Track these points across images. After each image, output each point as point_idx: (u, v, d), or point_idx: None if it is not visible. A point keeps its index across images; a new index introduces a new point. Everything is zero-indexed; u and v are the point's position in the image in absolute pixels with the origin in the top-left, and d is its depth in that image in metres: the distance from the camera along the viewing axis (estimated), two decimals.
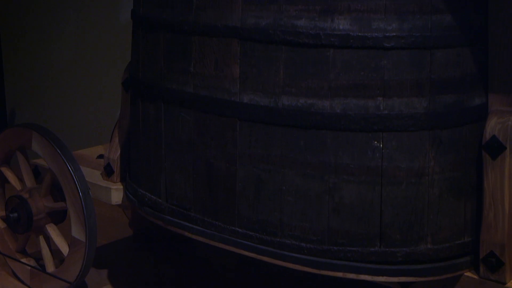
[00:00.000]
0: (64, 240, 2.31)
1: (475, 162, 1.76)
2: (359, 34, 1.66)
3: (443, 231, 1.75)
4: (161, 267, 2.67)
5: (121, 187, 2.31)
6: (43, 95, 3.93)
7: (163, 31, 1.95)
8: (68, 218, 2.27)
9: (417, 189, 1.72)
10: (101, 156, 2.49)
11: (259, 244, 1.82)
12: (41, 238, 2.35)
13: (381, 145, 1.70)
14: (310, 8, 1.68)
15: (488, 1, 1.72)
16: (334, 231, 1.75)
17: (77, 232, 2.19)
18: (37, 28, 3.88)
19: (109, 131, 2.60)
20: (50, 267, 2.34)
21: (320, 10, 1.68)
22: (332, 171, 1.73)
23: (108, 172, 2.34)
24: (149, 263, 2.70)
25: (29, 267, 2.42)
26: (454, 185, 1.75)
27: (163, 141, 2.00)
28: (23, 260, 2.44)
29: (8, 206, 2.34)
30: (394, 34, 1.66)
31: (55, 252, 2.36)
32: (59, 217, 2.36)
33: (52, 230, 2.32)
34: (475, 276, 1.76)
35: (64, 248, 2.28)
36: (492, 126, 1.69)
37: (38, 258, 2.43)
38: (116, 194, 2.31)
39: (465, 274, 1.78)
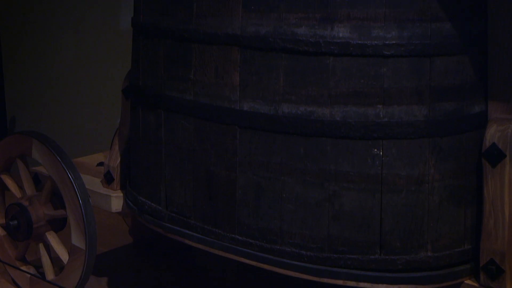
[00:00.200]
0: (64, 247, 2.30)
1: (475, 170, 1.76)
2: (359, 42, 1.66)
3: (443, 238, 1.75)
4: (161, 274, 2.67)
5: (121, 194, 2.31)
6: (44, 103, 3.94)
7: (164, 38, 1.96)
8: (68, 225, 2.26)
9: (417, 197, 1.72)
10: (101, 164, 2.49)
11: (259, 251, 1.82)
12: (41, 246, 2.34)
13: (381, 153, 1.70)
14: (310, 16, 1.69)
15: (487, 9, 1.73)
16: (334, 239, 1.75)
17: (77, 239, 2.19)
18: (37, 35, 3.89)
19: (109, 139, 2.60)
20: (50, 275, 2.34)
21: (320, 18, 1.68)
22: (332, 178, 1.73)
23: (108, 179, 2.34)
24: (149, 271, 2.70)
25: (29, 275, 2.41)
26: (454, 192, 1.75)
27: (163, 148, 2.00)
28: (23, 267, 2.44)
29: (8, 214, 2.34)
30: (394, 42, 1.66)
31: (55, 259, 2.35)
32: (59, 225, 2.35)
33: (52, 238, 2.31)
34: (475, 284, 1.76)
35: (64, 256, 2.28)
36: (492, 134, 1.70)
37: (38, 266, 2.43)
38: (116, 201, 2.31)
39: (465, 282, 1.77)
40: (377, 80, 1.68)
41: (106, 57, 3.53)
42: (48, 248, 2.35)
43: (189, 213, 1.95)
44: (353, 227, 1.73)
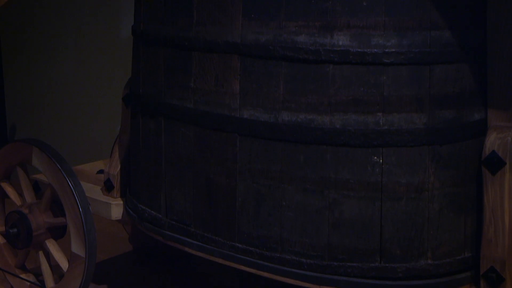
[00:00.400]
0: (63, 255, 2.30)
1: (475, 178, 1.76)
2: (359, 50, 1.67)
3: (443, 246, 1.75)
4: (161, 282, 2.67)
5: (121, 202, 2.31)
6: (44, 110, 3.94)
7: (164, 46, 1.96)
8: (68, 233, 2.26)
9: (417, 205, 1.72)
10: (101, 171, 2.49)
11: (259, 259, 1.82)
12: (41, 254, 2.34)
13: (381, 161, 1.70)
14: (310, 24, 1.69)
15: (487, 17, 1.73)
16: (334, 247, 1.75)
17: (77, 247, 2.19)
18: (38, 43, 3.90)
19: (109, 147, 2.61)
20: (49, 283, 2.33)
21: (319, 26, 1.69)
22: (332, 186, 1.73)
23: (108, 187, 2.34)
24: (149, 279, 2.69)
25: (29, 283, 2.41)
26: (454, 200, 1.75)
27: (163, 156, 2.00)
28: (23, 275, 2.43)
29: (8, 222, 2.34)
30: (393, 50, 1.67)
31: (55, 267, 2.35)
32: (59, 233, 2.35)
33: (52, 246, 2.31)
34: None
35: (64, 264, 2.28)
36: (492, 142, 1.70)
37: (38, 274, 2.42)
38: (116, 209, 2.31)
39: None
40: (377, 88, 1.68)
41: (106, 65, 3.54)
42: (48, 256, 2.35)
43: (189, 220, 1.95)
44: (353, 235, 1.73)
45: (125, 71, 2.64)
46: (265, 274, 1.82)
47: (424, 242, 1.73)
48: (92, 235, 2.16)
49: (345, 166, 1.71)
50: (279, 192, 1.78)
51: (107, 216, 2.32)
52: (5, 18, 4.03)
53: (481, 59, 1.75)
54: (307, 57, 1.70)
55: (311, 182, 1.74)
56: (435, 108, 1.70)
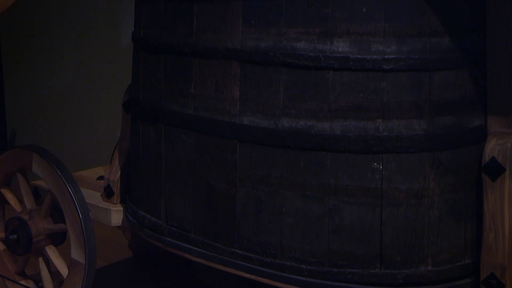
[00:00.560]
0: (63, 262, 2.30)
1: (475, 184, 1.76)
2: (358, 56, 1.67)
3: (443, 252, 1.75)
4: None
5: (121, 208, 2.31)
6: (44, 117, 3.94)
7: (164, 53, 1.97)
8: (67, 239, 2.26)
9: (417, 211, 1.72)
10: (101, 178, 2.49)
11: (259, 266, 1.82)
12: (41, 260, 2.34)
13: (381, 167, 1.70)
14: (310, 31, 1.70)
15: (486, 24, 1.74)
16: (334, 253, 1.75)
17: (77, 254, 2.18)
18: (38, 49, 3.91)
19: (109, 153, 2.61)
20: None
21: (319, 32, 1.69)
22: (332, 192, 1.73)
23: (108, 193, 2.34)
24: (149, 285, 2.69)
25: None
26: (454, 206, 1.75)
27: (163, 162, 2.00)
28: (23, 282, 2.43)
29: (8, 228, 2.33)
30: (393, 56, 1.67)
31: (55, 274, 2.35)
32: (58, 239, 2.35)
33: (52, 252, 2.31)
34: None
35: (64, 270, 2.27)
36: (492, 148, 1.70)
37: (38, 280, 2.42)
38: (116, 215, 2.31)
39: None
40: (376, 94, 1.68)
41: (107, 71, 3.54)
42: (48, 262, 2.34)
43: (189, 227, 1.95)
44: (353, 241, 1.73)
45: (125, 77, 2.64)
46: (265, 281, 1.82)
47: (424, 249, 1.73)
48: (92, 241, 2.16)
49: (345, 172, 1.71)
50: (279, 198, 1.78)
51: (107, 222, 2.32)
52: (6, 24, 4.04)
53: (480, 66, 1.75)
54: (307, 64, 1.70)
55: (311, 188, 1.74)
56: (435, 114, 1.71)
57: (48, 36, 3.83)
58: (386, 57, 1.67)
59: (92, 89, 3.64)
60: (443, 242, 1.74)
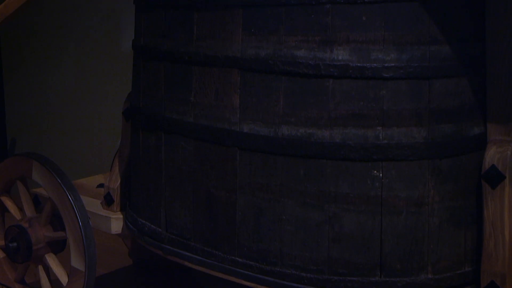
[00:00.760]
0: (63, 269, 2.29)
1: (475, 191, 1.76)
2: (358, 64, 1.68)
3: (443, 260, 1.75)
4: None
5: (121, 216, 2.30)
6: (44, 124, 3.94)
7: (164, 61, 1.97)
8: (67, 247, 2.26)
9: (417, 219, 1.72)
10: (101, 185, 2.49)
11: (259, 274, 1.82)
12: (40, 268, 2.33)
13: (381, 175, 1.70)
14: (310, 39, 1.70)
15: (486, 32, 1.74)
16: (334, 261, 1.74)
17: (77, 261, 2.18)
18: (38, 57, 3.91)
19: (109, 160, 2.61)
20: None
21: (319, 41, 1.69)
22: (332, 200, 1.73)
23: (108, 201, 2.34)
24: None
25: None
26: (454, 214, 1.75)
27: (163, 170, 2.00)
28: None
29: (8, 236, 2.33)
30: (393, 64, 1.67)
31: (54, 282, 2.34)
32: (58, 247, 2.35)
33: (52, 260, 2.31)
34: None
35: (63, 278, 2.27)
36: (491, 156, 1.70)
37: None
38: (116, 223, 2.30)
39: None
40: (376, 102, 1.69)
41: (107, 78, 3.55)
42: (48, 270, 2.34)
43: (189, 235, 1.95)
44: (353, 249, 1.73)
45: (126, 85, 2.65)
46: None
47: (424, 256, 1.73)
48: (91, 249, 2.16)
49: (345, 180, 1.71)
50: (279, 206, 1.78)
51: (107, 230, 2.32)
52: (6, 32, 4.04)
53: (480, 73, 1.76)
54: (307, 72, 1.70)
55: (311, 196, 1.74)
56: (435, 122, 1.71)
57: (48, 43, 3.84)
58: (386, 65, 1.67)
59: (92, 97, 3.64)
60: (443, 250, 1.74)
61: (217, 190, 1.86)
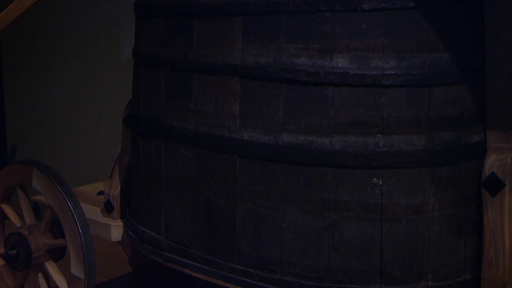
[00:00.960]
0: (63, 277, 2.29)
1: (474, 199, 1.76)
2: (358, 72, 1.68)
3: (443, 268, 1.74)
4: None
5: (121, 223, 2.30)
6: (44, 132, 3.95)
7: (164, 68, 1.97)
8: (67, 255, 2.26)
9: (417, 226, 1.72)
10: (101, 193, 2.49)
11: (259, 281, 1.82)
12: (40, 276, 2.33)
13: (381, 182, 1.70)
14: (309, 47, 1.70)
15: (485, 39, 1.75)
16: (334, 268, 1.74)
17: (76, 269, 2.18)
18: (39, 64, 3.92)
19: (109, 168, 2.61)
20: None
21: (319, 48, 1.70)
22: (332, 207, 1.73)
23: (108, 208, 2.34)
24: None
25: None
26: (454, 222, 1.75)
27: (163, 177, 2.00)
28: None
29: (8, 243, 2.33)
30: (392, 72, 1.68)
31: None
32: (58, 254, 2.34)
33: (51, 267, 2.30)
34: None
35: (63, 286, 2.27)
36: (491, 163, 1.70)
37: None
38: (116, 230, 2.30)
39: None
40: (376, 109, 1.69)
41: (107, 86, 3.55)
42: (47, 277, 2.34)
43: (189, 242, 1.95)
44: (353, 256, 1.73)
45: (126, 92, 2.65)
46: None
47: (425, 264, 1.73)
48: (91, 256, 2.16)
49: (345, 187, 1.71)
50: (279, 213, 1.77)
51: (107, 237, 2.32)
52: (6, 40, 4.05)
53: (480, 81, 1.76)
54: (306, 79, 1.71)
55: (311, 204, 1.74)
56: (435, 129, 1.71)
57: (49, 51, 3.85)
58: (386, 72, 1.67)
59: (93, 105, 3.65)
60: (444, 257, 1.74)
61: (217, 197, 1.86)
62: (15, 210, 2.44)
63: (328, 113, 1.71)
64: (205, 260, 1.91)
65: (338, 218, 1.73)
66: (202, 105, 1.88)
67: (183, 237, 1.96)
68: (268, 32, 1.74)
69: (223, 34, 1.81)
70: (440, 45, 1.70)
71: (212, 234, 1.89)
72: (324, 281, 1.75)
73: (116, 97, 3.45)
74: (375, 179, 1.70)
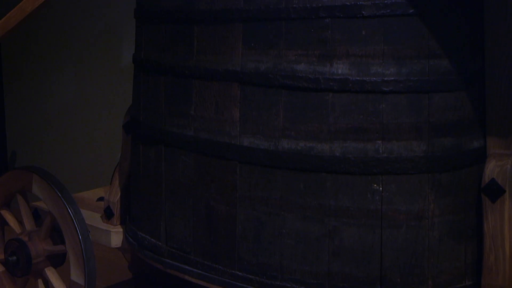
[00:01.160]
0: (63, 283, 2.29)
1: (474, 205, 1.76)
2: (358, 78, 1.68)
3: (443, 274, 1.74)
4: None
5: (121, 230, 2.30)
6: (44, 138, 3.95)
7: (164, 74, 1.98)
8: (67, 261, 2.25)
9: (417, 232, 1.71)
10: (101, 199, 2.49)
11: (259, 287, 1.81)
12: (40, 282, 2.33)
13: (381, 188, 1.70)
14: (309, 53, 1.71)
15: (485, 46, 1.75)
16: (334, 275, 1.74)
17: (76, 275, 2.18)
18: (39, 70, 3.92)
19: (109, 174, 2.61)
20: None
21: (319, 55, 1.70)
22: (332, 214, 1.73)
23: (108, 215, 2.34)
24: None
25: None
26: (454, 228, 1.75)
27: (163, 184, 2.00)
28: None
29: (7, 249, 2.33)
30: (392, 78, 1.68)
31: None
32: (58, 260, 2.34)
33: (51, 274, 2.30)
34: None
35: None
36: (491, 169, 1.70)
37: None
38: (116, 237, 2.30)
39: None
40: (376, 116, 1.69)
41: (107, 92, 3.56)
42: (47, 284, 2.33)
43: (189, 248, 1.95)
44: (354, 262, 1.73)
45: (126, 98, 2.66)
46: None
47: (425, 270, 1.72)
48: (91, 263, 2.15)
49: (345, 193, 1.71)
50: (279, 219, 1.77)
51: (107, 243, 2.32)
52: (7, 45, 4.06)
53: (479, 87, 1.76)
54: (306, 86, 1.71)
55: (311, 210, 1.74)
56: (434, 136, 1.71)
57: (49, 57, 3.85)
58: (385, 79, 1.68)
59: (93, 111, 3.65)
60: (444, 263, 1.74)
61: (217, 203, 1.86)
62: (15, 216, 2.44)
63: (328, 119, 1.71)
64: (205, 267, 1.91)
65: (338, 224, 1.72)
66: (202, 111, 1.88)
67: (183, 243, 1.96)
68: (268, 38, 1.74)
69: (223, 40, 1.81)
70: (440, 51, 1.70)
71: (212, 240, 1.89)
72: (324, 287, 1.75)
73: (116, 103, 3.46)
74: (375, 185, 1.70)
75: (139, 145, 2.11)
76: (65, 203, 2.17)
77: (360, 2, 1.67)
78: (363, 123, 1.69)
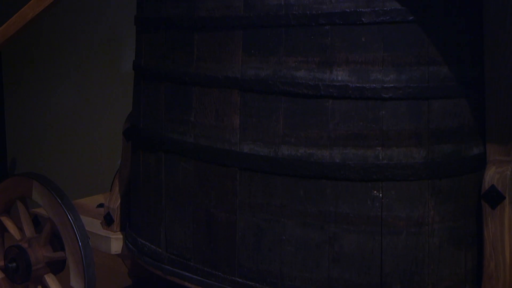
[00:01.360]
0: None
1: (475, 212, 1.76)
2: (358, 85, 1.68)
3: (444, 281, 1.74)
4: None
5: (121, 236, 2.30)
6: (44, 144, 3.95)
7: (164, 81, 1.98)
8: (67, 267, 2.25)
9: (417, 239, 1.71)
10: (101, 205, 2.49)
11: None
12: None
13: (381, 195, 1.70)
14: (309, 60, 1.71)
15: (484, 53, 1.75)
16: (334, 281, 1.74)
17: (76, 282, 2.17)
18: (39, 77, 3.93)
19: (109, 180, 2.61)
20: None
21: (318, 61, 1.70)
22: (332, 220, 1.73)
23: (108, 221, 2.33)
24: None
25: None
26: (454, 234, 1.75)
27: (163, 190, 2.00)
28: None
29: (7, 256, 2.33)
30: (392, 85, 1.68)
31: None
32: (58, 267, 2.34)
33: (51, 280, 2.30)
34: None
35: None
36: (491, 176, 1.70)
37: None
38: (116, 243, 2.30)
39: None
40: (375, 122, 1.69)
41: (107, 99, 3.56)
42: None
43: (189, 255, 1.95)
44: (354, 269, 1.72)
45: (126, 105, 2.66)
46: None
47: (425, 277, 1.72)
48: (91, 269, 2.15)
49: (345, 200, 1.71)
50: (279, 226, 1.77)
51: (107, 250, 2.31)
52: (7, 53, 4.06)
53: (479, 94, 1.77)
54: (306, 92, 1.71)
55: (311, 216, 1.74)
56: (434, 142, 1.71)
57: (49, 64, 3.86)
58: (385, 85, 1.68)
59: (93, 117, 3.65)
60: (444, 270, 1.74)
61: (217, 210, 1.86)
62: (15, 223, 2.43)
63: (328, 126, 1.71)
64: (205, 273, 1.91)
65: (338, 230, 1.72)
66: (202, 118, 1.88)
67: (183, 249, 1.96)
68: (268, 45, 1.75)
69: (223, 47, 1.82)
70: (439, 58, 1.70)
71: (212, 247, 1.89)
72: None
73: (116, 110, 3.46)
74: (375, 191, 1.70)
75: (139, 151, 2.12)
76: (65, 209, 2.17)
77: (360, 9, 1.67)
78: (363, 130, 1.69)
